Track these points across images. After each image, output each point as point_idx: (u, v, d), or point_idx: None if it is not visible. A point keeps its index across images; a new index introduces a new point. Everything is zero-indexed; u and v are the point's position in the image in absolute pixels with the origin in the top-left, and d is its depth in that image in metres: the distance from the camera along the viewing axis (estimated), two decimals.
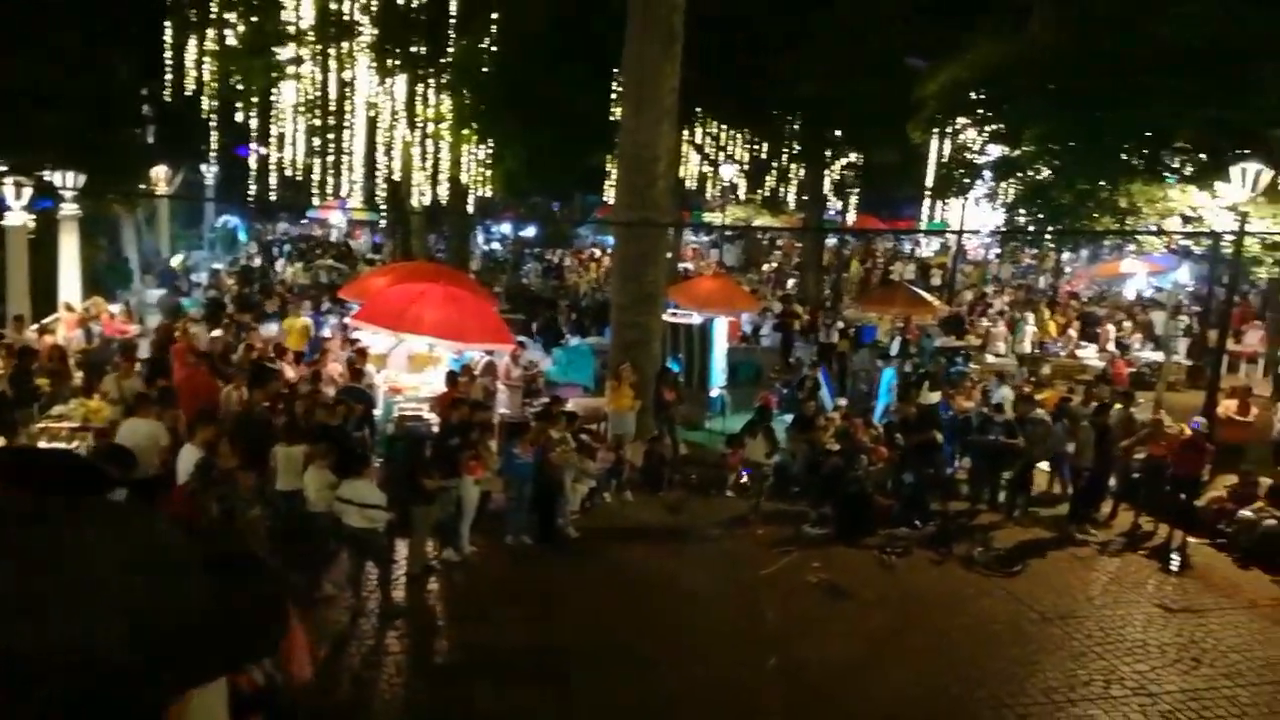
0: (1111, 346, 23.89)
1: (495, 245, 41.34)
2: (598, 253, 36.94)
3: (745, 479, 13.76)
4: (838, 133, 28.98)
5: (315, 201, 26.18)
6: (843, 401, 16.40)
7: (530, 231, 41.35)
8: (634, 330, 15.60)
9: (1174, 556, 12.08)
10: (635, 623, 9.75)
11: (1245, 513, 12.60)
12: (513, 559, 11.24)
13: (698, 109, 28.06)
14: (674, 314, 18.17)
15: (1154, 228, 17.68)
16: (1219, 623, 10.50)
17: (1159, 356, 20.91)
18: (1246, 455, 14.49)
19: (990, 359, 21.67)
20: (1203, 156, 17.55)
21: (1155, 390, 18.23)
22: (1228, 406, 14.70)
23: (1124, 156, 17.36)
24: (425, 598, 10.09)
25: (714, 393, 17.64)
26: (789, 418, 14.87)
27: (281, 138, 22.40)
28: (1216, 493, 13.39)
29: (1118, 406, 14.12)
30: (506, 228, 41.30)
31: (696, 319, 18.00)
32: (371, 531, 9.38)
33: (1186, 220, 17.22)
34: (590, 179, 31.38)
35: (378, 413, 13.73)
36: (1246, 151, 14.91)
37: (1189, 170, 17.86)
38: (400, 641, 9.14)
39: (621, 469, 13.54)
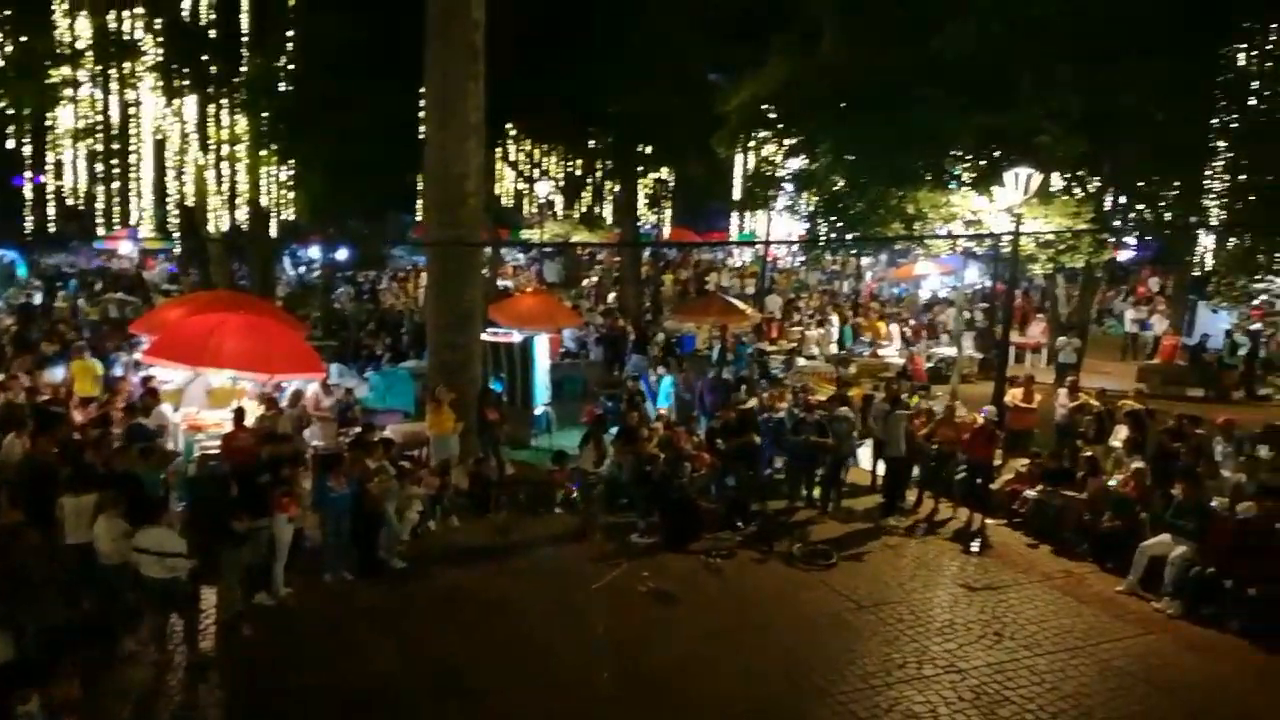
0: (894, 344, 25.41)
1: (304, 270, 39.71)
2: (413, 273, 36.14)
3: (575, 493, 13.75)
4: (648, 149, 29.50)
5: (101, 231, 24.36)
6: (664, 410, 16.65)
7: (343, 254, 39.87)
8: (452, 351, 15.32)
9: (974, 539, 12.91)
10: (468, 649, 9.53)
11: (1034, 492, 13.61)
12: (333, 597, 10.76)
13: (509, 126, 27.95)
14: (494, 333, 17.98)
15: (940, 231, 18.91)
16: (1018, 598, 11.28)
17: (953, 351, 22.34)
18: (1033, 439, 15.72)
19: (802, 361, 22.59)
20: (982, 163, 18.95)
21: (950, 383, 19.49)
22: (1014, 395, 15.87)
23: (910, 165, 18.50)
24: (238, 646, 9.49)
25: (538, 410, 17.55)
26: (615, 430, 14.96)
27: (60, 164, 20.73)
28: (1009, 476, 14.42)
29: (915, 400, 14.98)
30: (316, 251, 39.69)
31: (517, 337, 17.87)
32: (173, 581, 8.77)
33: (969, 224, 18.53)
34: (404, 198, 30.64)
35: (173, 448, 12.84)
36: (1015, 158, 16.18)
37: (969, 177, 19.24)
38: (212, 694, 8.58)
39: (445, 494, 13.23)
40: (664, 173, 33.89)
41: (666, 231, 38.79)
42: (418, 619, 10.30)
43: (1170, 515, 11.39)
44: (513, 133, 29.21)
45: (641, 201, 33.42)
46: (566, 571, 11.73)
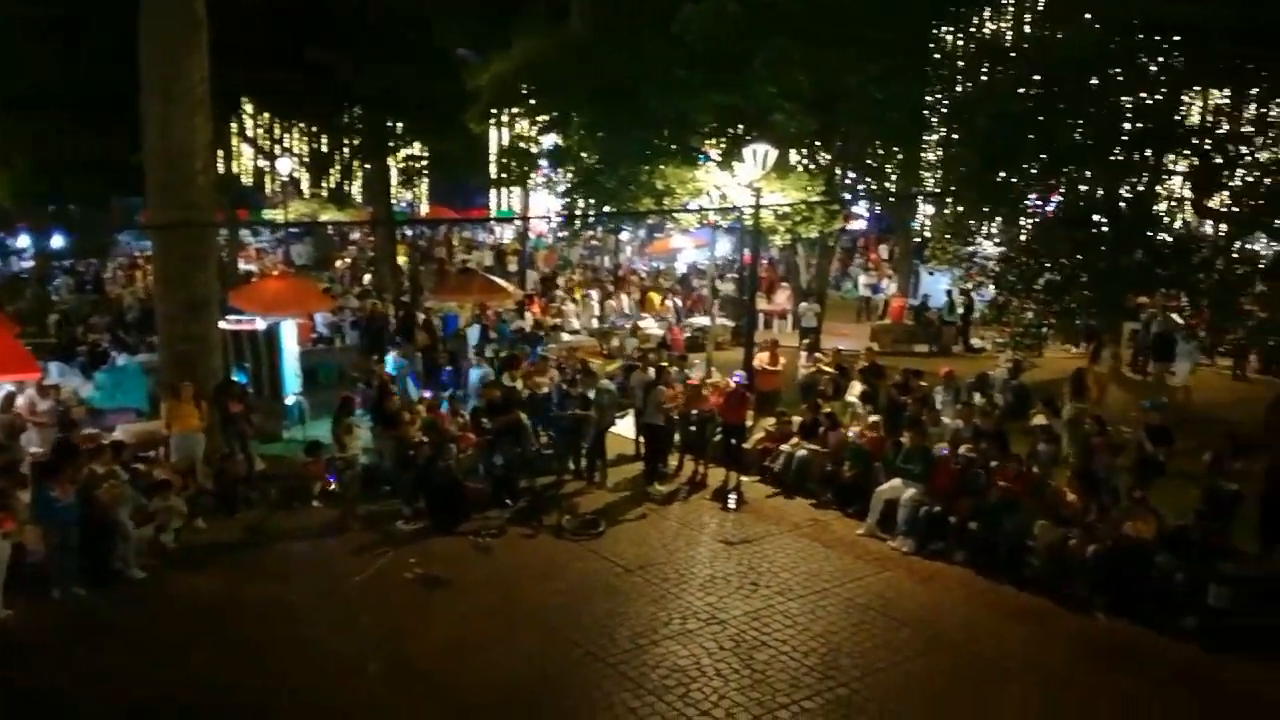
0: (670, 316, 26.22)
1: (13, 260, 35.59)
2: (141, 261, 33.23)
3: (333, 485, 13.22)
4: (398, 125, 28.59)
5: None
6: (428, 393, 16.29)
7: (59, 242, 35.99)
8: (187, 342, 14.21)
9: (731, 496, 13.56)
10: (224, 659, 8.93)
11: (784, 448, 14.46)
12: (64, 615, 9.78)
13: (245, 100, 26.18)
14: (235, 321, 16.86)
15: (689, 206, 19.60)
16: (771, 548, 11.97)
17: (707, 321, 23.26)
18: (781, 399, 16.67)
19: (566, 337, 22.78)
20: (724, 141, 19.79)
21: (706, 351, 20.31)
22: (761, 359, 16.74)
23: (657, 142, 19.02)
24: None
25: (289, 400, 16.65)
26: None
27: None
28: (760, 435, 15.23)
29: (673, 367, 15.49)
30: (27, 240, 35.60)
31: (261, 324, 16.84)
32: None
33: (722, 199, 19.32)
34: (128, 179, 28.05)
35: None
36: (754, 135, 17.01)
37: (716, 153, 20.04)
38: None
39: (188, 495, 12.31)
40: (418, 149, 32.95)
41: (424, 209, 37.85)
42: (165, 632, 9.55)
43: (900, 461, 12.49)
44: (249, 108, 27.35)
45: (395, 179, 32.38)
46: (327, 567, 11.26)
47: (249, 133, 28.76)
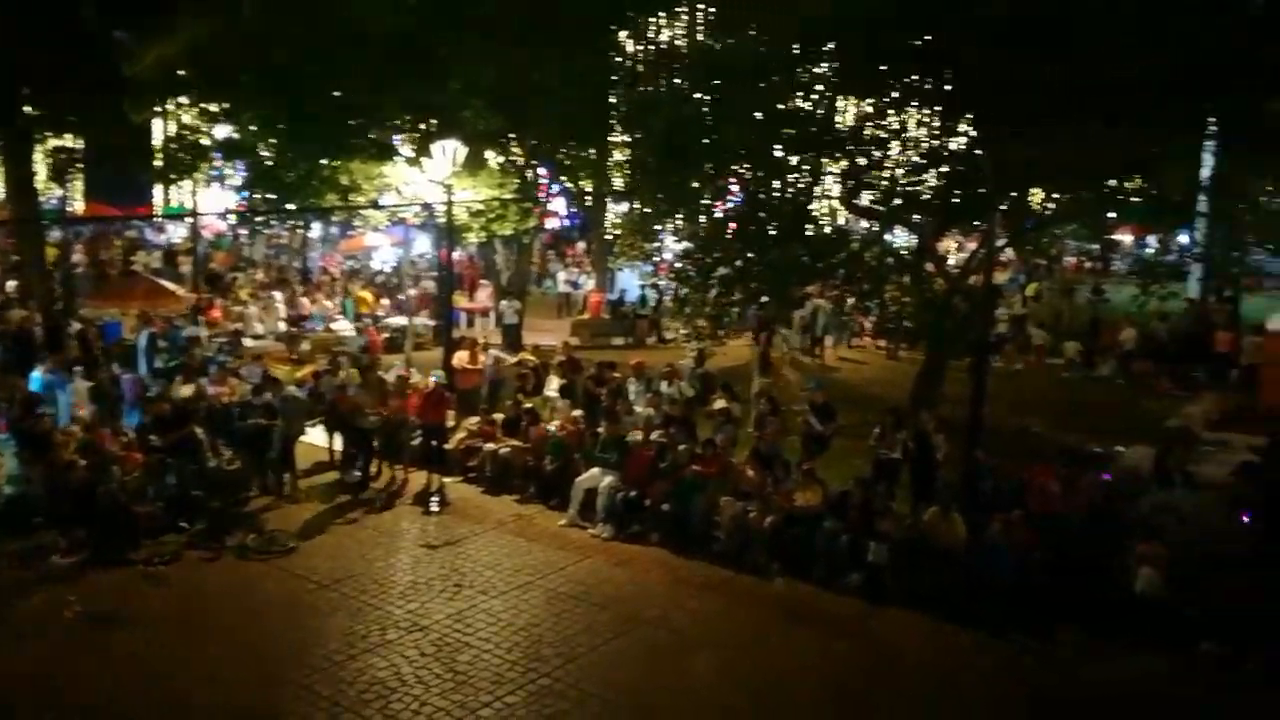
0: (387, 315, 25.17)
1: None
2: None
3: None
4: (36, 111, 25.25)
5: None
6: (84, 410, 14.59)
7: None
8: None
9: (433, 499, 13.34)
10: None
11: (488, 446, 14.42)
12: None
13: None
14: None
15: (378, 202, 19.03)
16: (475, 547, 11.91)
17: (405, 321, 22.69)
18: (482, 397, 16.62)
19: (250, 342, 21.31)
20: (416, 136, 19.35)
21: (404, 351, 19.83)
22: (461, 358, 16.61)
23: (343, 136, 18.28)
24: None
25: None
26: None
27: None
28: (462, 435, 15.09)
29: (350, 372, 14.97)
30: None
31: None
32: None
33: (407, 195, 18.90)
34: None
35: None
36: (444, 131, 16.81)
37: (409, 149, 19.55)
38: None
39: None
40: (69, 139, 29.36)
41: (80, 207, 33.95)
42: None
43: (598, 451, 12.89)
44: None
45: (42, 173, 28.64)
46: None
47: None
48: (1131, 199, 16.37)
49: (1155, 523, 10.69)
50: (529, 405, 15.15)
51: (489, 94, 17.98)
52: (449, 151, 15.75)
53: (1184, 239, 25.34)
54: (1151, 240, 40.44)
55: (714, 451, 12.59)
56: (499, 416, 15.14)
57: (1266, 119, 13.16)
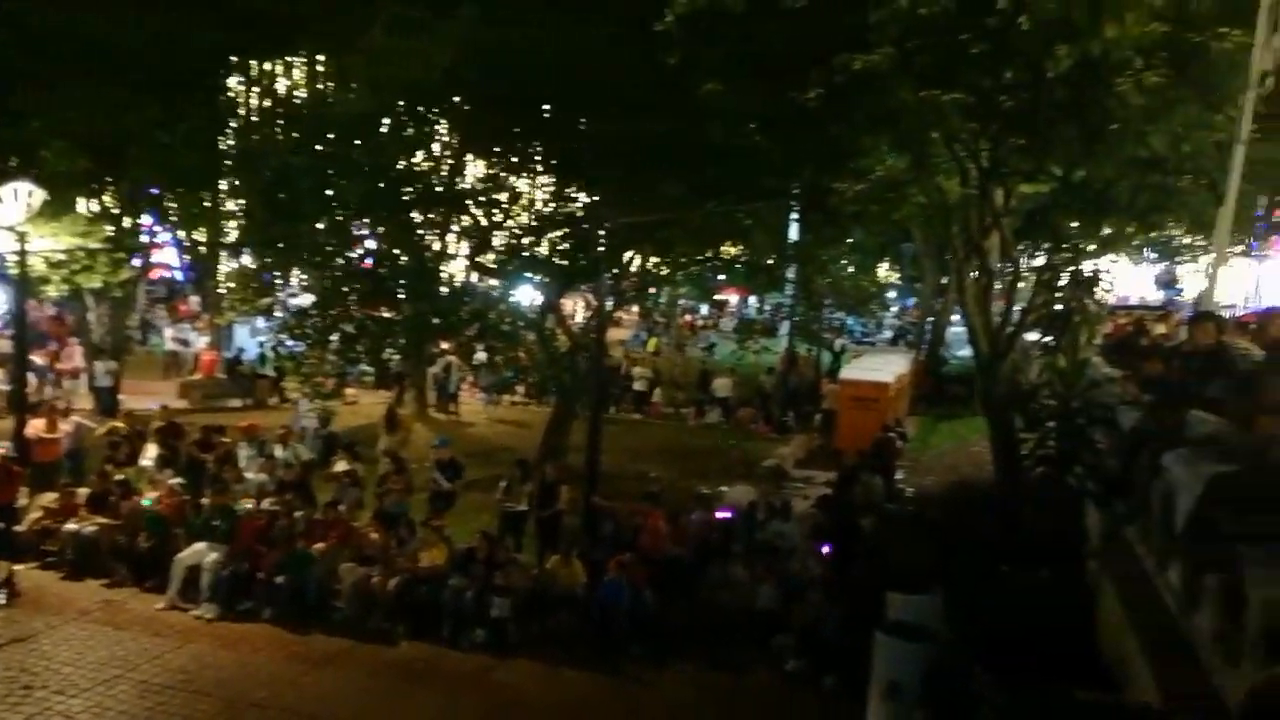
0: None
1: None
2: None
3: None
4: None
5: None
6: None
7: None
8: None
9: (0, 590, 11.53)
10: None
11: (69, 526, 12.74)
12: None
13: None
14: None
15: None
16: (51, 642, 10.44)
17: None
18: (62, 470, 14.68)
19: None
20: None
21: None
22: (36, 426, 14.60)
23: None
24: None
25: None
26: None
27: None
28: (37, 514, 13.21)
29: None
30: None
31: None
32: None
33: None
34: None
35: None
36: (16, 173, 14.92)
37: None
38: None
39: None
40: None
41: None
42: None
43: (202, 522, 11.88)
44: None
45: None
46: None
47: None
48: (735, 264, 18.33)
49: (772, 546, 11.90)
50: (120, 477, 13.60)
51: (75, 134, 16.20)
52: (21, 194, 13.99)
53: (778, 299, 28.71)
54: (753, 300, 45.25)
55: (335, 516, 12.12)
56: (84, 491, 13.46)
57: (831, 196, 15.16)
